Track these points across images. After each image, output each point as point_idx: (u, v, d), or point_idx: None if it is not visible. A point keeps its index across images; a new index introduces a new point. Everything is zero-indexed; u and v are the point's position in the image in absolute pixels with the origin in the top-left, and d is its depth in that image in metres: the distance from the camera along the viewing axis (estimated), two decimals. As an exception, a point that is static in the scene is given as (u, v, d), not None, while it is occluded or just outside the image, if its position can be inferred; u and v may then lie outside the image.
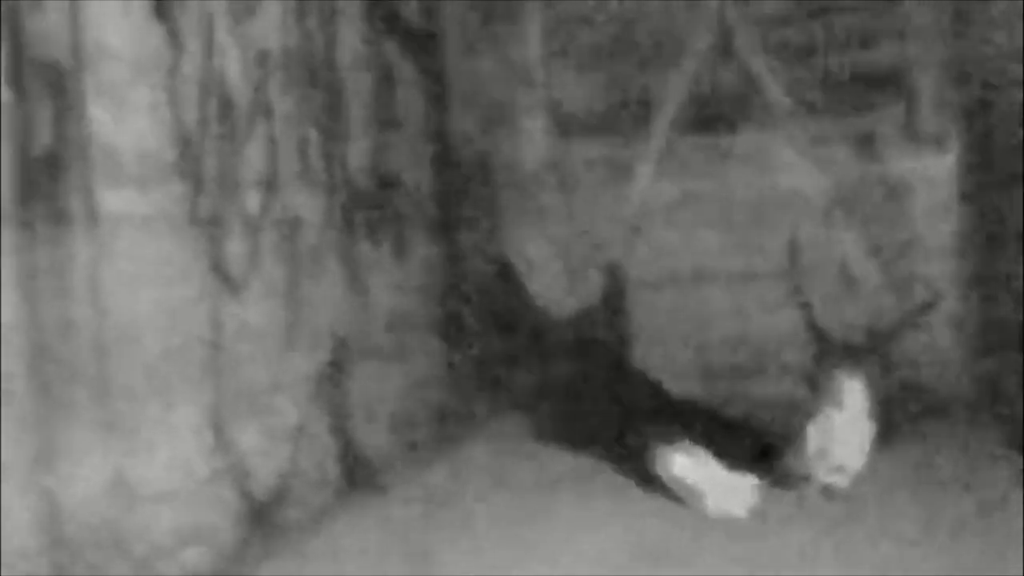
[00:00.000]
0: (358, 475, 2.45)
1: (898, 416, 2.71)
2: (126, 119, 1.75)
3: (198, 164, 1.93)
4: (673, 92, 3.29)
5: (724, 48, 3.25)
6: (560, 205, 3.42)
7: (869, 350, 3.09)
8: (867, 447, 2.38)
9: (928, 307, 3.10)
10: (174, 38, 1.89)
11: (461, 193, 3.22)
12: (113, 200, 1.69)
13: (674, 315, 3.35)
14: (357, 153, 2.55)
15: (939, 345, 3.11)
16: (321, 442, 2.32)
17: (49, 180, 1.57)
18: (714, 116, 3.31)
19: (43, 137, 1.56)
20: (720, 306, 3.33)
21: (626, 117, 3.37)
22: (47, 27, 1.57)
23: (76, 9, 1.63)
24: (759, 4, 3.23)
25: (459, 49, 3.20)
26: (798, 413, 2.47)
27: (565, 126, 3.42)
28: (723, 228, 3.33)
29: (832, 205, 3.23)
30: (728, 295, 3.32)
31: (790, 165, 3.26)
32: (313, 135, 2.36)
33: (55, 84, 1.59)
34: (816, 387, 2.58)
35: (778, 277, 3.27)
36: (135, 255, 1.73)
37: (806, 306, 3.21)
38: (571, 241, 3.38)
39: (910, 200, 3.15)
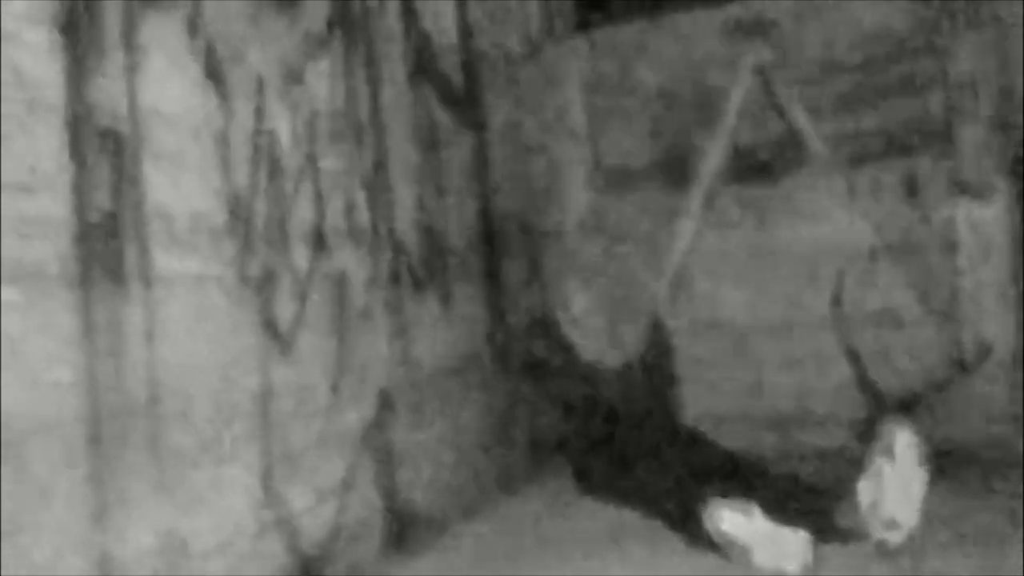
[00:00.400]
0: (404, 530, 2.45)
1: (950, 469, 2.65)
2: (179, 181, 1.81)
3: (248, 224, 1.98)
4: (715, 144, 3.31)
5: (765, 100, 3.27)
6: (603, 258, 3.43)
7: (919, 401, 3.04)
8: (920, 501, 2.32)
9: (978, 358, 3.05)
10: (226, 102, 1.95)
11: (504, 248, 3.25)
12: (167, 260, 1.74)
13: (720, 367, 3.33)
14: (402, 210, 2.60)
15: (989, 396, 3.05)
16: (367, 497, 2.33)
17: (106, 242, 1.62)
18: (757, 167, 3.33)
19: (101, 201, 1.61)
20: (766, 357, 3.31)
21: (668, 169, 3.40)
22: (106, 95, 1.64)
23: (133, 76, 1.70)
24: (799, 57, 3.25)
25: (501, 106, 3.25)
26: (849, 466, 2.43)
27: (607, 179, 3.46)
28: (768, 278, 3.32)
29: (878, 254, 3.21)
30: (774, 346, 3.30)
31: (834, 215, 3.25)
32: (360, 193, 2.41)
33: (113, 150, 1.64)
34: (867, 439, 2.54)
35: (825, 327, 3.24)
36: (187, 314, 1.78)
37: (854, 356, 3.17)
38: (614, 294, 3.38)
39: (957, 249, 3.12)
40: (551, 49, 3.50)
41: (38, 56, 1.53)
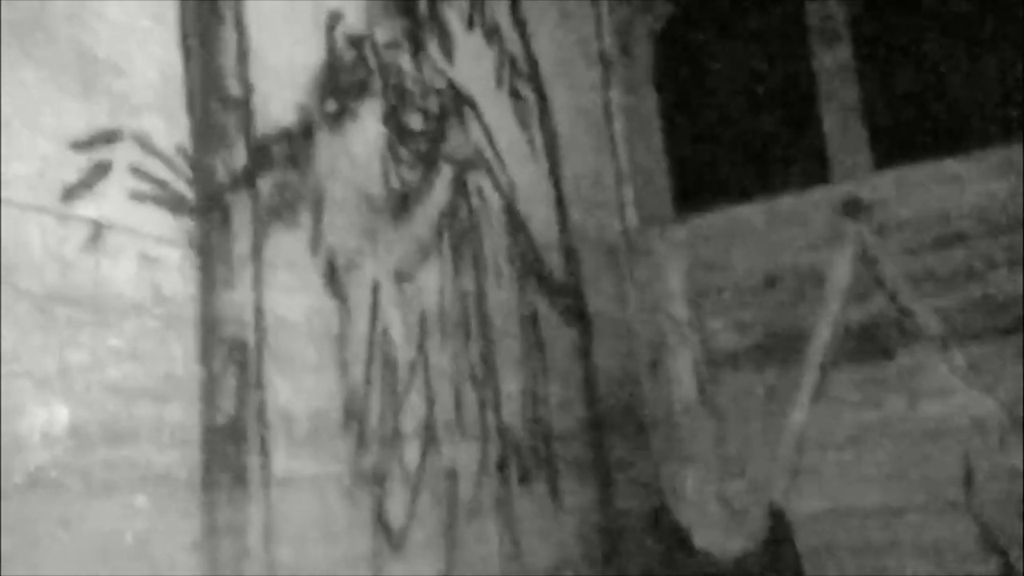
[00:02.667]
0: None
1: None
2: (299, 383, 1.90)
3: (363, 421, 2.05)
4: (822, 323, 3.28)
5: (871, 278, 3.25)
6: (714, 443, 3.37)
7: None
8: None
9: None
10: (343, 307, 2.06)
11: (612, 435, 3.24)
12: (286, 461, 1.81)
13: (841, 554, 3.16)
14: (508, 401, 2.64)
15: None
16: None
17: (230, 446, 1.70)
18: (867, 345, 3.27)
19: (227, 407, 1.70)
20: (891, 543, 3.13)
21: (777, 351, 3.37)
22: (234, 306, 1.76)
23: (260, 289, 1.83)
24: (902, 235, 3.25)
25: (602, 294, 3.32)
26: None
27: (714, 362, 3.44)
28: (890, 459, 3.19)
29: (1006, 429, 3.06)
30: (899, 530, 3.13)
31: (952, 390, 3.14)
32: (467, 386, 2.47)
33: (239, 357, 1.75)
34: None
35: (954, 509, 3.07)
36: (304, 514, 1.82)
37: (992, 541, 2.98)
38: (728, 480, 3.30)
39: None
40: (650, 236, 3.60)
41: (175, 274, 1.67)
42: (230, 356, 1.73)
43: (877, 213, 3.29)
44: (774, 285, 3.40)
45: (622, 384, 3.33)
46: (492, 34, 2.94)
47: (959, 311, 3.16)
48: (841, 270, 3.29)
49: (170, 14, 1.76)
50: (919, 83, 3.46)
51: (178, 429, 1.61)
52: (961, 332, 3.15)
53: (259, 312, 1.81)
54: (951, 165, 3.24)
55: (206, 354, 1.68)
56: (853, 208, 3.31)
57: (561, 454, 2.90)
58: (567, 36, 3.50)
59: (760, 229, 3.47)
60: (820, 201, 3.39)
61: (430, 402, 2.30)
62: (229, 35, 1.85)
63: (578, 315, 3.14)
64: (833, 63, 3.49)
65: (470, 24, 2.83)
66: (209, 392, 1.67)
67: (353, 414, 2.03)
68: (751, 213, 3.50)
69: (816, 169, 3.50)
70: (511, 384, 2.67)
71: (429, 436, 2.26)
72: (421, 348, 2.31)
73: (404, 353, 2.23)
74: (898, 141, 3.42)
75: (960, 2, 3.44)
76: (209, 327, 1.70)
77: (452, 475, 2.31)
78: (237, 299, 1.76)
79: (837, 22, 3.52)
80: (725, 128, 3.75)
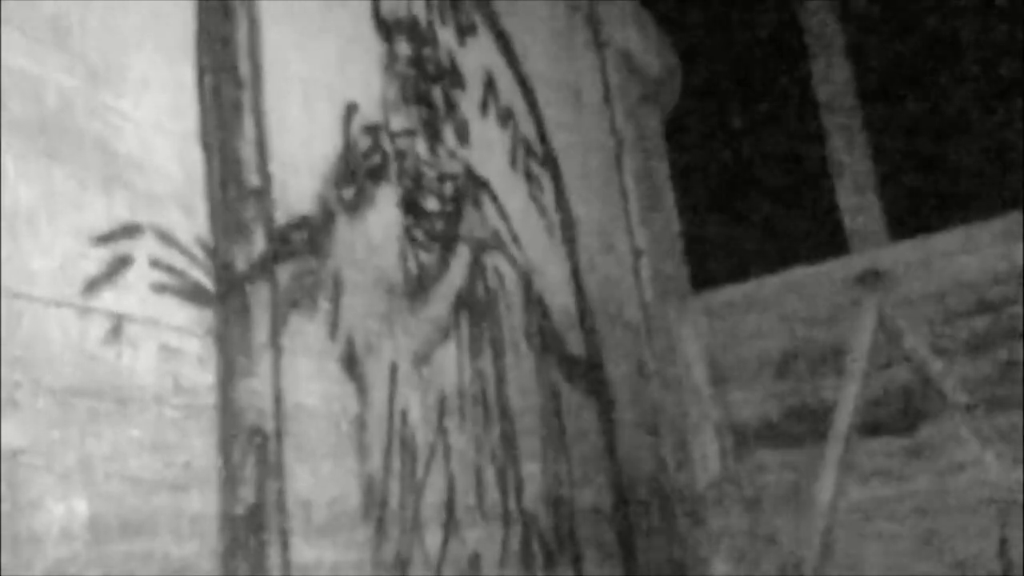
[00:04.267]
0: None
1: None
2: (318, 470, 1.89)
3: (383, 507, 2.03)
4: (846, 396, 3.24)
5: (892, 349, 3.22)
6: (741, 519, 3.31)
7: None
8: None
9: None
10: (362, 391, 2.06)
11: (636, 513, 3.19)
12: (306, 550, 1.79)
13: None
14: (531, 482, 2.61)
15: None
16: None
17: (250, 536, 1.68)
18: (893, 416, 3.23)
19: (246, 496, 1.69)
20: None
21: (801, 424, 3.33)
22: (253, 395, 1.77)
23: (279, 376, 1.84)
24: (922, 304, 3.23)
25: (622, 371, 3.31)
26: None
27: (739, 437, 3.40)
28: (921, 533, 3.12)
29: (1040, 501, 3.00)
30: (939, 609, 3.04)
31: (985, 461, 3.08)
32: (488, 469, 2.44)
33: (259, 445, 1.75)
34: None
35: (995, 584, 2.99)
36: (324, 604, 1.79)
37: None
38: (757, 557, 3.23)
39: None
40: (668, 312, 3.59)
41: (194, 364, 1.68)
42: (249, 445, 1.73)
43: (895, 283, 3.28)
44: (795, 358, 3.38)
45: (646, 461, 3.29)
46: (506, 118, 3.00)
47: (984, 380, 3.12)
48: (861, 341, 3.26)
49: (191, 109, 1.80)
50: (931, 153, 3.48)
51: (197, 519, 1.60)
52: (988, 401, 3.10)
53: (278, 399, 1.82)
54: (967, 232, 3.24)
55: (225, 443, 1.68)
56: (870, 279, 3.30)
57: (585, 535, 2.85)
58: (580, 117, 3.56)
59: (778, 302, 3.47)
60: (837, 272, 3.38)
61: (450, 485, 2.28)
62: (248, 127, 1.90)
63: (599, 392, 3.12)
64: (844, 139, 3.52)
65: (484, 109, 2.89)
66: (228, 482, 1.67)
67: (373, 500, 2.01)
68: (769, 286, 3.50)
69: (832, 240, 3.51)
70: (532, 464, 2.64)
71: (450, 521, 2.23)
72: (440, 430, 2.30)
73: (423, 436, 2.22)
74: (912, 210, 3.43)
75: (970, 70, 3.48)
76: (228, 416, 1.70)
77: (475, 561, 2.28)
78: (256, 387, 1.77)
79: (846, 97, 3.56)
80: (740, 202, 3.77)
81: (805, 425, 3.31)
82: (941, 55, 3.47)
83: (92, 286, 1.51)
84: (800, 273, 3.46)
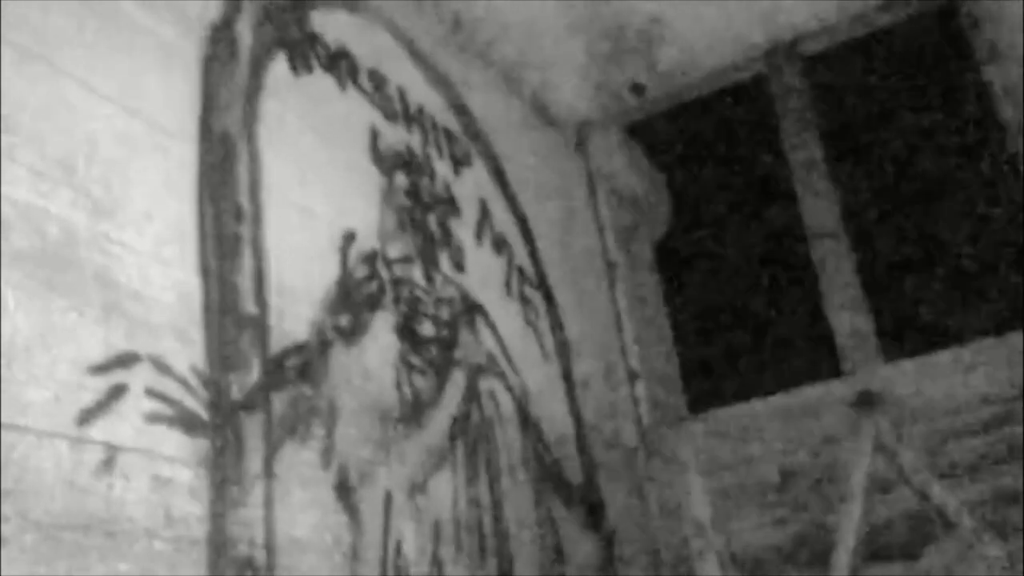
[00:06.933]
0: None
1: None
2: (310, 605, 1.83)
3: (376, 643, 1.97)
4: (847, 522, 3.18)
5: (893, 472, 3.18)
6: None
7: None
8: None
9: None
10: (355, 520, 2.03)
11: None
12: None
13: None
14: (529, 616, 2.53)
15: None
16: None
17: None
18: (896, 542, 3.16)
19: (236, 634, 1.64)
20: None
21: (803, 550, 3.26)
22: (245, 525, 1.73)
23: (271, 506, 1.80)
24: (920, 426, 3.21)
25: (620, 497, 3.25)
26: None
27: (740, 566, 3.32)
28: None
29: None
30: None
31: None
32: (485, 601, 2.38)
33: (248, 579, 1.70)
34: None
35: None
36: None
37: None
38: None
39: None
40: (665, 435, 3.56)
41: (186, 494, 1.65)
42: (238, 577, 1.69)
43: (892, 405, 3.27)
44: (794, 481, 3.33)
45: (646, 592, 3.21)
46: (500, 245, 3.05)
47: (988, 503, 3.07)
48: (860, 465, 3.22)
49: (190, 239, 1.84)
50: (920, 275, 3.53)
51: (184, 660, 1.55)
52: (994, 525, 3.04)
53: (270, 530, 1.78)
54: (962, 354, 3.25)
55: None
56: (867, 401, 3.29)
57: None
58: (572, 242, 3.62)
59: (775, 425, 3.44)
60: (832, 395, 3.37)
61: (446, 619, 2.22)
62: (246, 258, 1.93)
63: (597, 520, 3.06)
64: (833, 260, 3.58)
65: (479, 236, 2.94)
66: (219, 621, 1.62)
67: (367, 637, 1.95)
68: (764, 408, 3.48)
69: (827, 361, 3.51)
70: (532, 598, 2.57)
71: (445, 658, 2.16)
72: (435, 562, 2.25)
73: (418, 568, 2.17)
74: (905, 332, 3.45)
75: (954, 191, 3.56)
76: (219, 548, 1.67)
77: None
78: (248, 517, 1.74)
79: (832, 217, 3.63)
80: (733, 324, 3.80)
81: (808, 551, 3.24)
82: (928, 191, 3.56)
83: (86, 417, 1.50)
84: (796, 395, 3.44)
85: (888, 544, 3.16)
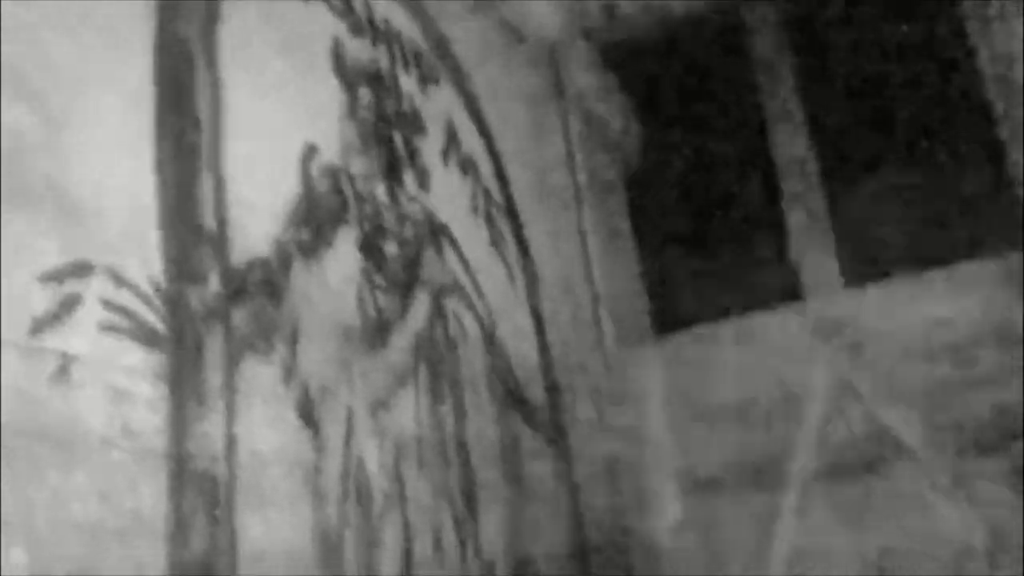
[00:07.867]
0: None
1: None
2: (272, 520, 1.83)
3: (339, 558, 1.98)
4: (803, 444, 3.25)
5: (850, 397, 3.24)
6: (702, 568, 3.28)
7: None
8: None
9: None
10: (317, 437, 2.02)
11: (598, 561, 3.15)
12: (257, 601, 1.73)
13: None
14: (489, 533, 2.57)
15: None
16: None
17: (200, 587, 1.63)
18: (851, 464, 3.23)
19: (196, 546, 1.64)
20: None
21: (759, 471, 3.32)
22: (205, 440, 1.72)
23: (232, 421, 1.79)
24: (877, 352, 3.26)
25: (584, 420, 3.29)
26: None
27: (697, 484, 3.39)
28: (878, 580, 3.11)
29: (994, 548, 3.00)
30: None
31: (938, 509, 3.09)
32: (447, 518, 2.40)
33: (210, 494, 1.70)
34: None
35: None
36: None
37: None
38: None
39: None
40: (628, 360, 3.59)
41: (145, 407, 1.63)
42: (200, 492, 1.68)
43: (851, 331, 3.31)
44: (753, 405, 3.38)
45: (606, 509, 3.26)
46: (467, 166, 3.01)
47: (943, 428, 3.14)
48: (817, 388, 3.28)
49: (146, 151, 1.78)
50: (887, 201, 3.54)
51: (145, 569, 1.54)
52: (944, 450, 3.12)
53: (231, 445, 1.77)
54: (922, 280, 3.28)
55: (175, 490, 1.63)
56: (826, 327, 3.33)
57: (546, 585, 2.81)
58: (541, 165, 3.58)
59: (735, 349, 3.47)
60: (793, 320, 3.41)
61: (408, 535, 2.23)
62: (205, 170, 1.88)
63: (559, 441, 3.09)
64: (800, 186, 3.58)
65: (445, 156, 2.89)
66: (178, 530, 1.62)
67: (328, 550, 1.96)
68: (725, 332, 3.52)
69: (790, 288, 3.54)
70: (492, 513, 2.60)
71: (408, 571, 2.18)
72: (397, 478, 2.26)
73: (380, 484, 2.18)
74: (867, 257, 3.48)
75: (924, 117, 3.56)
76: (179, 462, 1.65)
77: (432, 613, 2.23)
78: (208, 432, 1.72)
79: (801, 149, 3.63)
80: (697, 249, 3.81)
81: (763, 472, 3.30)
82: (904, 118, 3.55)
83: (39, 325, 1.47)
84: (756, 321, 3.47)
85: (842, 465, 3.23)
